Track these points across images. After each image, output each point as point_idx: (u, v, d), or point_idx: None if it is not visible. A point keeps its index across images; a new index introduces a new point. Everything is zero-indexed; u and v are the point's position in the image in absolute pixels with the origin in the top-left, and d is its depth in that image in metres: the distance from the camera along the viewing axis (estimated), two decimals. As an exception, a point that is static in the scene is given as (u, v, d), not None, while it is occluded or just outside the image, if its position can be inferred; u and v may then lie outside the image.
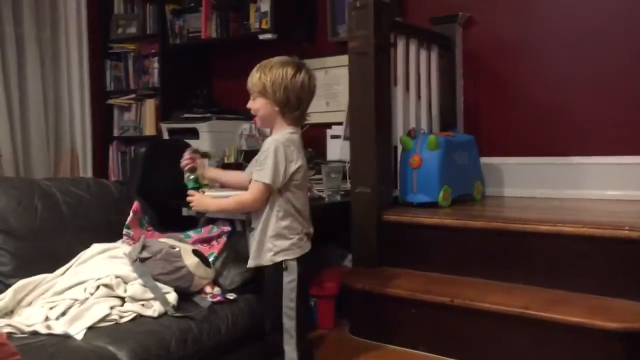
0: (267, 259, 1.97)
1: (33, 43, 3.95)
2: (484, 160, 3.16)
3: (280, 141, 1.94)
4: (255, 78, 1.98)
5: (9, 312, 2.02)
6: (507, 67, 3.23)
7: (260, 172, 1.93)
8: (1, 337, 1.65)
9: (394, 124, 2.86)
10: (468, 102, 3.34)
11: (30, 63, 3.95)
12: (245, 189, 2.04)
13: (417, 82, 3.06)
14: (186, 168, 2.13)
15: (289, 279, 1.96)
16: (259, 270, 2.02)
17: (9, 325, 1.86)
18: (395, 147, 2.88)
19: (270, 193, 1.95)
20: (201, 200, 2.07)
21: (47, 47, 4.05)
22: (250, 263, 2.01)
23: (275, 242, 1.96)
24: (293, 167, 1.94)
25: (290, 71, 1.95)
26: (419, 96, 3.08)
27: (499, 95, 3.27)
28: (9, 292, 2.04)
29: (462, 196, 2.91)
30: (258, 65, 2.01)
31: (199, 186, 2.11)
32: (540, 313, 2.04)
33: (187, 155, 2.16)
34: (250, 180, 1.98)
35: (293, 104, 1.96)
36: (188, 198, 2.08)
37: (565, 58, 3.09)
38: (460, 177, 2.86)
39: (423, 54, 3.08)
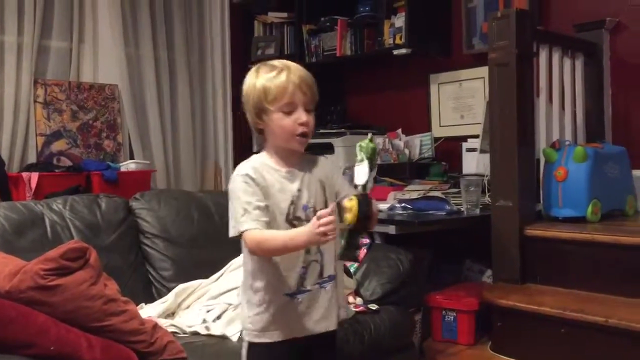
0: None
1: (183, 66, 4.28)
2: (637, 173, 2.95)
3: None
4: (314, 85, 1.59)
5: (171, 314, 2.20)
6: (662, 73, 3.02)
7: None
8: (169, 336, 1.80)
9: (536, 135, 2.77)
10: (617, 112, 3.15)
11: (181, 84, 4.27)
12: None
13: (560, 92, 2.94)
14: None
15: None
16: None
17: (173, 325, 2.03)
18: (538, 160, 2.78)
19: None
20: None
21: (195, 69, 4.36)
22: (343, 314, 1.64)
23: None
24: None
25: None
26: (562, 107, 2.96)
27: (653, 105, 3.06)
28: (171, 295, 2.23)
29: (613, 211, 2.75)
30: (286, 67, 1.55)
31: None
32: None
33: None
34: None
35: None
36: None
37: None
38: (611, 190, 2.70)
39: (567, 63, 2.96)
